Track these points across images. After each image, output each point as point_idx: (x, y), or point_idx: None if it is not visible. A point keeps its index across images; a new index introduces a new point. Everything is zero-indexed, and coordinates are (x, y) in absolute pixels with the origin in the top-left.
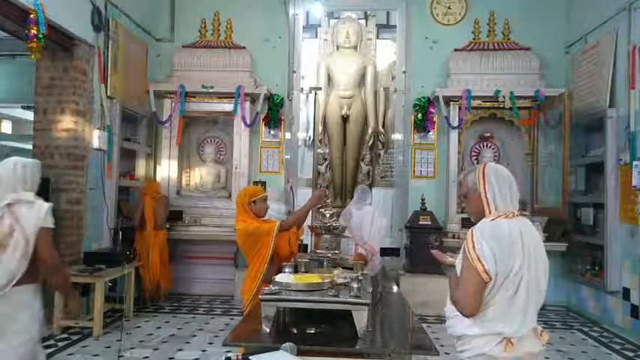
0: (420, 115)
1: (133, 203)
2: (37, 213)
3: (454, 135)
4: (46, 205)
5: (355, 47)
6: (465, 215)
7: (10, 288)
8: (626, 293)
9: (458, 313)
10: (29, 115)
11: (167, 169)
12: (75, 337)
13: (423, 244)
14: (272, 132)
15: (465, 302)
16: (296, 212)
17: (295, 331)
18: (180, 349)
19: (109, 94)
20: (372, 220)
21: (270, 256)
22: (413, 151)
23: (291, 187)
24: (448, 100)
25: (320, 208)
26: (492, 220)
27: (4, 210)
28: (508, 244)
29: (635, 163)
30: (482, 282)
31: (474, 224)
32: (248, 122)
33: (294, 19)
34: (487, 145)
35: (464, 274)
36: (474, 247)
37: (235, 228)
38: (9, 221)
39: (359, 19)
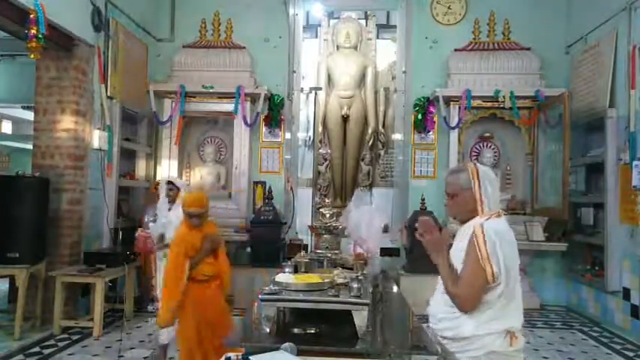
0: (420, 115)
1: (133, 203)
2: None
3: (454, 135)
4: None
5: (355, 47)
6: None
7: None
8: (626, 293)
9: (457, 313)
10: (29, 115)
11: (167, 169)
12: (75, 337)
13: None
14: (272, 132)
15: (467, 298)
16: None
17: (295, 331)
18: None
19: (109, 94)
20: (370, 220)
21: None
22: (413, 151)
23: (291, 187)
24: (448, 100)
25: (320, 208)
26: (494, 219)
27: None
28: (514, 242)
29: (635, 163)
30: (486, 282)
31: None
32: (249, 122)
33: (294, 19)
34: (487, 145)
35: (471, 269)
36: (485, 244)
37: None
38: None
39: (359, 19)
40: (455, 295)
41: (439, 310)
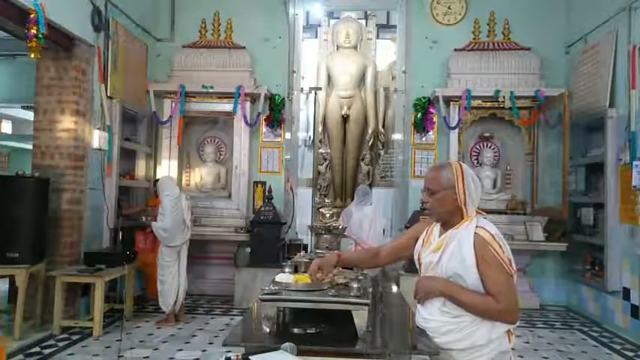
0: (419, 115)
1: (133, 203)
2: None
3: (454, 135)
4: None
5: (355, 47)
6: None
7: None
8: (626, 293)
9: (467, 322)
10: (29, 115)
11: (167, 169)
12: (75, 337)
13: None
14: (272, 132)
15: (513, 308)
16: None
17: (295, 331)
18: (180, 349)
19: (109, 94)
20: (372, 221)
21: None
22: (413, 151)
23: (291, 187)
24: (448, 100)
25: (320, 208)
26: (484, 220)
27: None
28: None
29: (635, 163)
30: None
31: None
32: (248, 122)
33: (294, 19)
34: (487, 145)
35: (503, 278)
36: (503, 251)
37: None
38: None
39: (359, 19)
40: (501, 312)
41: (439, 323)
